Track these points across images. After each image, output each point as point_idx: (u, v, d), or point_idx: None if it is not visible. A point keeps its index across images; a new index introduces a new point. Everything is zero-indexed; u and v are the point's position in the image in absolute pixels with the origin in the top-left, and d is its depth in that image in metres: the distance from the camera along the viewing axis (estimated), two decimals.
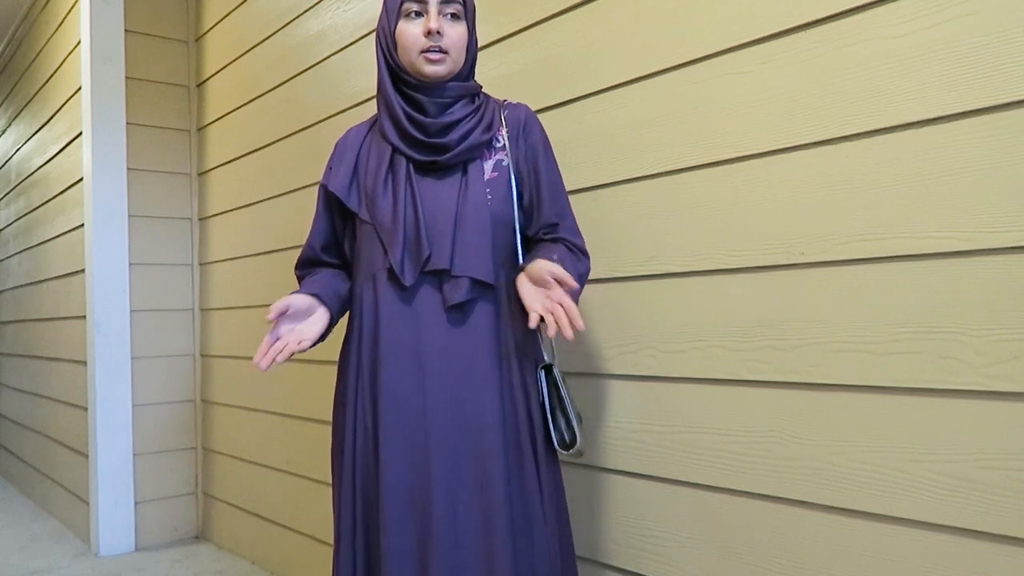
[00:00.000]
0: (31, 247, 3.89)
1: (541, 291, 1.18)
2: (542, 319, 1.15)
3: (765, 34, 1.24)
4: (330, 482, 1.39)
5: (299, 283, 1.42)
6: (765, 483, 1.24)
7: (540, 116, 1.59)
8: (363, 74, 2.16)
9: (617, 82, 1.46)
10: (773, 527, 1.24)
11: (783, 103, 1.22)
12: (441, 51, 1.23)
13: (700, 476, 1.34)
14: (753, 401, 1.26)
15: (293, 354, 1.22)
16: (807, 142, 1.19)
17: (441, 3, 1.23)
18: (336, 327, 1.38)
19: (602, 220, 1.48)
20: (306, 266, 1.43)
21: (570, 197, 1.51)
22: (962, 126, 1.03)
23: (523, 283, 1.21)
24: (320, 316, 1.30)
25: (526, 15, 1.63)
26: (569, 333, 1.11)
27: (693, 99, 1.34)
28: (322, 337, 1.32)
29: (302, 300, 1.27)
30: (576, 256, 1.31)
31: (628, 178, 1.44)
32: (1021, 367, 0.98)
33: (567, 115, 1.55)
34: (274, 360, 1.20)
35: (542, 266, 1.17)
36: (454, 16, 1.25)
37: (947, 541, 1.04)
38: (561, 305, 1.13)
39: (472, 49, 1.29)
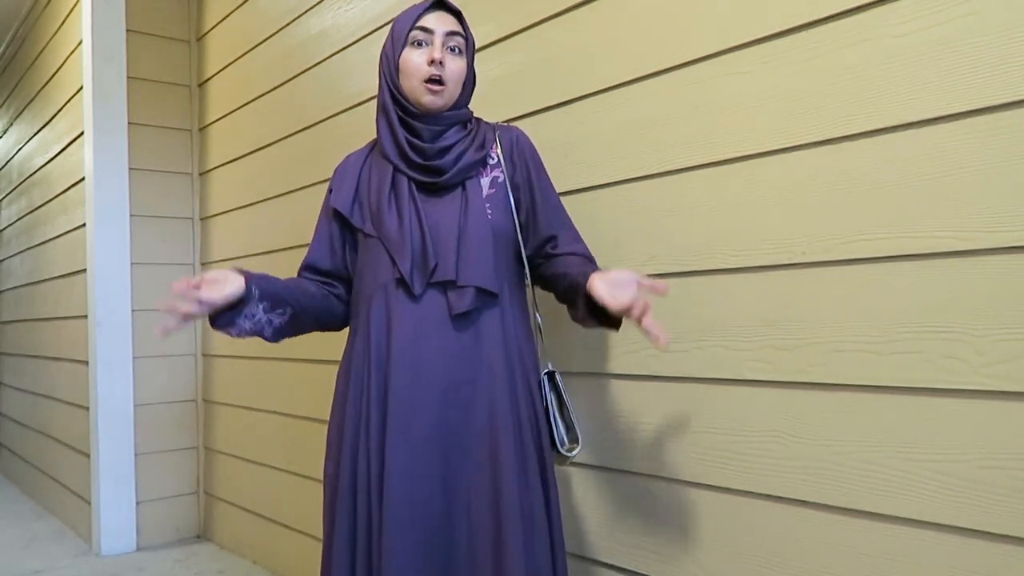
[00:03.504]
0: (33, 247, 3.90)
1: (626, 290, 1.15)
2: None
3: (765, 34, 1.24)
4: None
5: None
6: (766, 483, 1.24)
7: (540, 116, 1.60)
8: (364, 74, 2.17)
9: (617, 82, 1.46)
10: (774, 527, 1.24)
11: (783, 103, 1.22)
12: (440, 83, 1.28)
13: (701, 476, 1.34)
14: (754, 401, 1.26)
15: (200, 303, 1.19)
16: (807, 142, 1.19)
17: (446, 35, 1.30)
18: (339, 333, 1.40)
19: (602, 220, 1.48)
20: (303, 271, 1.44)
21: (571, 197, 1.52)
22: (962, 126, 1.03)
23: (597, 284, 1.19)
24: (233, 281, 1.25)
25: (526, 15, 1.63)
26: (664, 339, 1.11)
27: (693, 99, 1.34)
28: (233, 307, 1.26)
29: (221, 272, 1.25)
30: (595, 265, 1.35)
31: (628, 178, 1.44)
32: (1021, 367, 0.98)
33: (567, 115, 1.56)
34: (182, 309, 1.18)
35: (626, 272, 1.17)
36: (457, 50, 1.31)
37: (948, 541, 1.04)
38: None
39: (469, 84, 1.35)
